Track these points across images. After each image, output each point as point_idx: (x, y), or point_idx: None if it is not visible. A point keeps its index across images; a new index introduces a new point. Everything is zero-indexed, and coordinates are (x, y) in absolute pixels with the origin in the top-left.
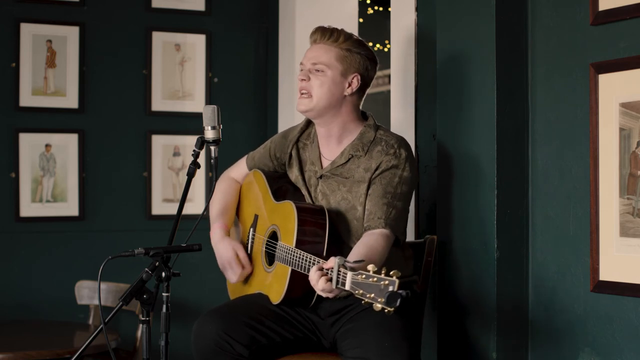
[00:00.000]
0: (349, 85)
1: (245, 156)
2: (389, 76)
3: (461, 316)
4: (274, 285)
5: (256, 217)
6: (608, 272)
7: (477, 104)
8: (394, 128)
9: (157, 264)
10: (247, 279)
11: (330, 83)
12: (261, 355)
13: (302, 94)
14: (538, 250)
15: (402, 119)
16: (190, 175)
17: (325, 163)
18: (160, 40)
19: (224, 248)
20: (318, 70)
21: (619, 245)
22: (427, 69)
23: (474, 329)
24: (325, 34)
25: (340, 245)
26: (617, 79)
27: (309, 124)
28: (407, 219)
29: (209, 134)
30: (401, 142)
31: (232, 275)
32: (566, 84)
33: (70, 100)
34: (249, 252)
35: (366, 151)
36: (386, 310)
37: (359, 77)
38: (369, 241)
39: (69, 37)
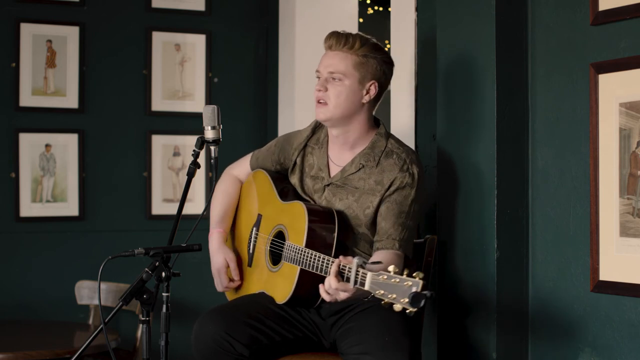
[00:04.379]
0: (367, 92)
1: (250, 154)
2: None
3: (461, 316)
4: (279, 284)
5: (259, 216)
6: (608, 272)
7: (477, 104)
8: (394, 128)
9: (157, 264)
10: (248, 277)
11: (348, 92)
12: (262, 355)
13: (320, 102)
14: (538, 250)
15: (402, 119)
16: (190, 175)
17: (334, 169)
18: (160, 40)
19: (217, 257)
20: (335, 79)
21: (619, 245)
22: (427, 69)
23: (474, 329)
24: (341, 40)
25: (344, 250)
26: (617, 79)
27: (315, 129)
28: (415, 236)
29: (209, 134)
30: (413, 156)
31: (218, 284)
32: (566, 84)
33: (70, 100)
34: (250, 251)
35: (377, 162)
36: (408, 311)
37: (377, 84)
38: (383, 257)
39: (69, 37)
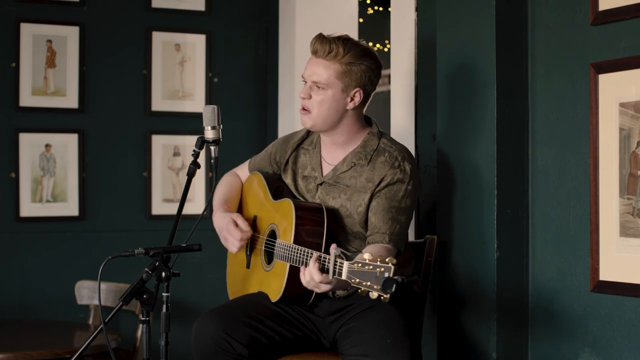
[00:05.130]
0: (351, 99)
1: (248, 161)
2: (389, 76)
3: (461, 316)
4: (272, 283)
5: (255, 217)
6: (608, 272)
7: (477, 104)
8: (394, 128)
9: (157, 264)
10: (247, 279)
11: (331, 100)
12: (261, 354)
13: (304, 109)
14: (538, 250)
15: (402, 119)
16: (190, 175)
17: (326, 168)
18: (160, 40)
19: (220, 218)
20: (319, 87)
21: (619, 245)
22: (427, 69)
23: (474, 329)
24: (325, 47)
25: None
26: (617, 79)
27: (310, 131)
28: (408, 230)
29: (209, 134)
30: (405, 153)
31: (233, 240)
32: (566, 84)
33: (70, 100)
34: (248, 252)
35: (369, 160)
36: (382, 298)
37: (361, 91)
38: (372, 251)
39: (69, 37)
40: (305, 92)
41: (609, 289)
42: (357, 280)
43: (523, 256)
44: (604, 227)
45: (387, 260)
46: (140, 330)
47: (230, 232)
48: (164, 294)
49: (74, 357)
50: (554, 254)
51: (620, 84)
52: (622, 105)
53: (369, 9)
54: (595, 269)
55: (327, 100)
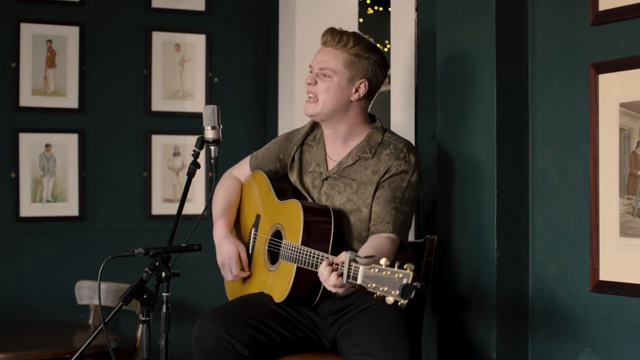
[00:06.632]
0: (356, 90)
1: (248, 156)
2: (389, 76)
3: (461, 316)
4: (277, 283)
5: (258, 216)
6: (608, 272)
7: (477, 104)
8: (394, 128)
9: (157, 264)
10: (247, 279)
11: (336, 88)
12: (262, 354)
13: (309, 97)
14: (538, 250)
15: (402, 119)
16: (190, 175)
17: (331, 164)
18: (160, 40)
19: (226, 246)
20: (325, 75)
21: (619, 245)
22: (427, 69)
23: (474, 329)
24: (335, 37)
25: (344, 246)
26: (617, 79)
27: (314, 126)
28: (411, 223)
29: (209, 134)
30: (409, 146)
31: (229, 274)
32: (566, 84)
33: (70, 100)
34: (250, 252)
35: (374, 153)
36: (399, 303)
37: (367, 82)
38: (376, 243)
39: (69, 37)
40: (312, 77)
41: (609, 289)
42: (374, 285)
43: (523, 256)
44: (604, 227)
45: (405, 266)
46: (140, 330)
47: (231, 265)
48: (164, 294)
49: (74, 357)
50: (554, 254)
51: (620, 84)
52: (622, 105)
53: (369, 9)
54: (595, 269)
55: (332, 87)
